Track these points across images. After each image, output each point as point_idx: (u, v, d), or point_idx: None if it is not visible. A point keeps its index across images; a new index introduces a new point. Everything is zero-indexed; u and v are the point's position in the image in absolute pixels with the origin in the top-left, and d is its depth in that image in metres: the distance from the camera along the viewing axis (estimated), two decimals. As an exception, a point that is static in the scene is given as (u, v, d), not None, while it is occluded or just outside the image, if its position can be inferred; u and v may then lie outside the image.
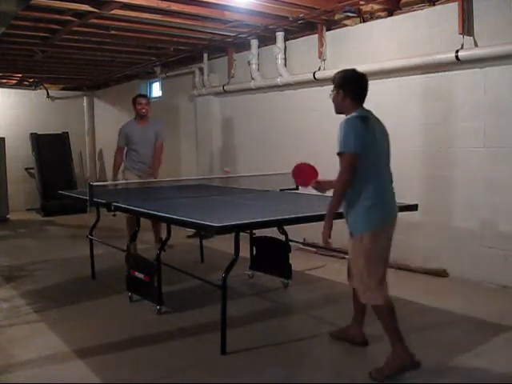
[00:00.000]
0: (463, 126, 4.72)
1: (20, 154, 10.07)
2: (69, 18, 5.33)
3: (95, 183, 4.64)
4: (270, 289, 4.62)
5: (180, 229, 3.70)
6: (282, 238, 4.56)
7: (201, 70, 7.68)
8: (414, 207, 3.80)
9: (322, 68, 5.89)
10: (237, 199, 4.59)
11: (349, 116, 2.84)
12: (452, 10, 4.60)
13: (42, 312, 4.04)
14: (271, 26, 5.96)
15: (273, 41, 6.38)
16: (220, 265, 3.45)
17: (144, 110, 5.77)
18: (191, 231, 6.25)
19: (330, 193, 2.97)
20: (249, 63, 6.73)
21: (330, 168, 6.36)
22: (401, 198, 3.71)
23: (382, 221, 2.86)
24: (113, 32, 5.95)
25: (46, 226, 8.47)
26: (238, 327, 3.58)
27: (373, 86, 5.36)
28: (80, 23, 5.47)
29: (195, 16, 5.47)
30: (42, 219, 9.18)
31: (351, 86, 2.89)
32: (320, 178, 3.31)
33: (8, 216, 8.97)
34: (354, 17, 5.61)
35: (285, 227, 4.44)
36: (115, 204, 4.07)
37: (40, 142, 9.94)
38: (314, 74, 5.86)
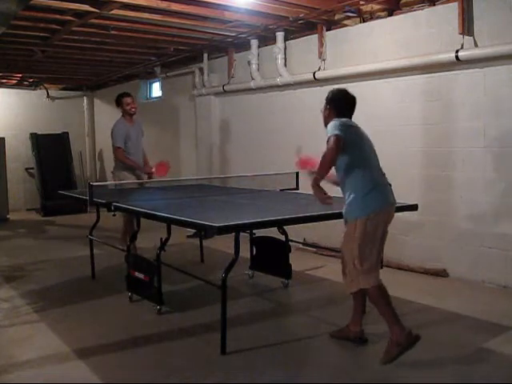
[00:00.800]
0: (463, 125, 4.72)
1: (20, 154, 10.09)
2: (69, 18, 5.33)
3: (95, 183, 4.64)
4: (270, 289, 4.62)
5: (180, 229, 3.70)
6: (282, 238, 4.56)
7: (201, 70, 7.69)
8: (414, 207, 3.80)
9: (321, 68, 5.89)
10: (237, 199, 4.59)
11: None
12: (452, 10, 4.60)
13: (42, 312, 4.04)
14: (271, 26, 5.96)
15: (273, 41, 6.38)
16: (220, 265, 3.45)
17: (134, 109, 5.69)
18: (191, 231, 6.25)
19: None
20: (249, 63, 6.73)
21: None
22: (401, 197, 3.72)
23: (376, 207, 3.03)
24: (113, 32, 5.95)
25: (45, 226, 8.47)
26: (238, 327, 3.58)
27: (373, 86, 5.45)
28: (80, 23, 5.48)
29: (195, 16, 5.47)
30: (42, 219, 9.18)
31: (337, 104, 3.27)
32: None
33: (8, 216, 8.97)
34: (353, 17, 5.61)
35: (285, 227, 4.44)
36: (115, 204, 4.07)
37: (40, 142, 9.93)
38: (314, 74, 5.86)
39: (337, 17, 5.68)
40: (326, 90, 5.87)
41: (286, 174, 5.17)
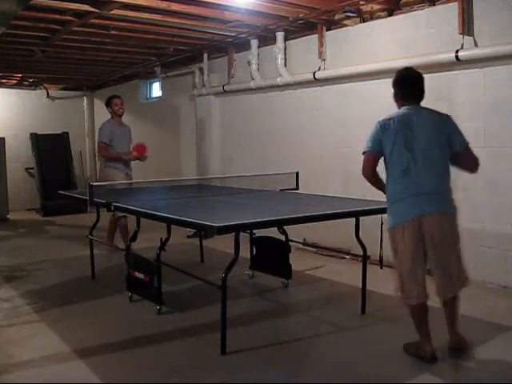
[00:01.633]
0: (463, 126, 4.63)
1: (20, 154, 10.08)
2: (69, 18, 5.33)
3: (95, 183, 4.64)
4: (269, 289, 4.62)
5: (180, 229, 3.70)
6: (282, 238, 4.56)
7: (201, 70, 7.69)
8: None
9: (321, 68, 5.89)
10: (237, 199, 4.59)
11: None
12: (452, 10, 4.60)
13: (42, 312, 4.04)
14: (271, 26, 5.96)
15: (273, 41, 6.38)
16: (220, 265, 3.44)
17: (121, 110, 6.08)
18: (191, 231, 6.25)
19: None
20: (249, 63, 6.73)
21: (329, 167, 6.37)
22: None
23: (403, 215, 2.91)
24: (113, 32, 5.95)
25: (45, 226, 8.47)
26: (238, 327, 3.57)
27: (373, 86, 5.45)
28: (80, 23, 5.48)
29: (195, 16, 5.47)
30: (42, 219, 9.18)
31: (398, 88, 3.07)
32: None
33: (8, 216, 8.97)
34: (353, 17, 5.61)
35: (285, 227, 4.44)
36: (115, 204, 4.07)
37: (40, 141, 9.93)
38: (314, 74, 5.86)
39: (337, 17, 5.68)
40: (326, 90, 5.98)
41: (286, 174, 5.17)
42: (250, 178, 5.67)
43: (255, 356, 3.16)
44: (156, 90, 9.65)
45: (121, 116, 6.09)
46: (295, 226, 3.74)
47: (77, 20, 5.38)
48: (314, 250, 5.92)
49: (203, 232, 4.84)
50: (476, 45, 4.50)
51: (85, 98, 11.21)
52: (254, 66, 6.69)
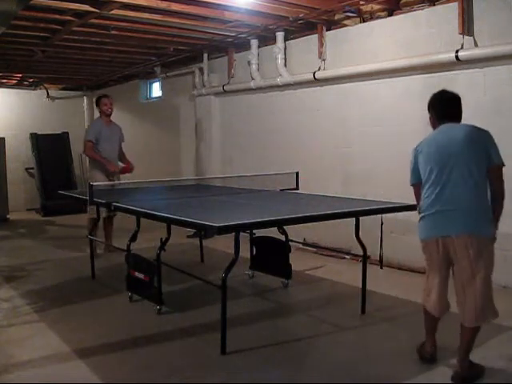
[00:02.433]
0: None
1: (20, 154, 10.08)
2: (69, 18, 5.33)
3: (95, 183, 4.64)
4: (269, 289, 4.62)
5: (180, 229, 3.70)
6: (282, 238, 4.56)
7: (201, 70, 7.69)
8: (414, 207, 3.79)
9: (321, 68, 5.89)
10: (237, 199, 4.59)
11: None
12: (452, 10, 4.60)
13: (42, 312, 4.04)
14: (271, 26, 5.96)
15: (273, 41, 6.38)
16: (220, 265, 3.45)
17: (110, 110, 6.07)
18: (191, 231, 6.25)
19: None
20: (249, 63, 6.73)
21: (329, 167, 6.37)
22: (401, 198, 3.73)
23: (425, 233, 2.91)
24: (113, 32, 5.95)
25: (46, 226, 8.47)
26: (238, 327, 3.58)
27: (373, 86, 5.45)
28: (80, 23, 5.48)
29: (195, 16, 5.47)
30: (42, 219, 9.18)
31: (433, 109, 3.05)
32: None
33: (8, 216, 8.97)
34: (353, 17, 5.61)
35: (285, 227, 4.44)
36: (115, 204, 4.07)
37: (40, 142, 9.93)
38: (314, 74, 5.87)
39: (337, 17, 5.68)
40: (326, 90, 5.98)
41: (286, 174, 5.18)
42: (250, 178, 5.67)
43: (255, 356, 3.17)
44: (156, 89, 9.65)
45: (109, 116, 6.07)
46: (295, 226, 3.74)
47: (77, 20, 5.37)
48: (314, 249, 5.92)
49: (203, 232, 4.84)
50: (476, 45, 4.51)
51: (85, 98, 11.20)
52: (253, 66, 6.69)
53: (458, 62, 4.55)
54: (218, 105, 7.64)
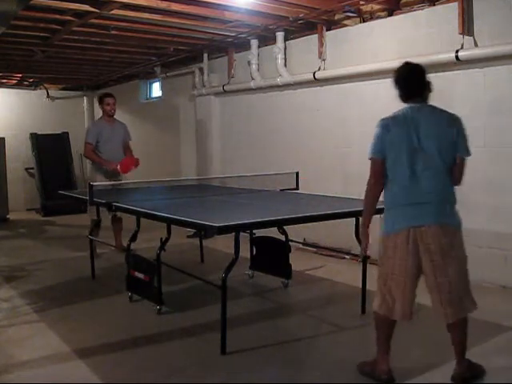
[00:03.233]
0: (463, 125, 4.71)
1: (20, 154, 10.08)
2: (69, 18, 5.33)
3: (95, 183, 4.64)
4: (269, 289, 4.62)
5: (180, 229, 3.70)
6: (282, 238, 4.56)
7: (201, 70, 7.68)
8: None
9: (321, 68, 5.89)
10: (237, 199, 4.59)
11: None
12: (452, 10, 4.60)
13: (42, 312, 4.04)
14: (271, 26, 5.96)
15: (273, 41, 6.38)
16: (220, 265, 3.44)
17: (112, 110, 5.89)
18: (191, 231, 6.25)
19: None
20: (249, 63, 6.73)
21: (329, 167, 6.37)
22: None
23: (395, 225, 2.70)
24: (113, 32, 5.95)
25: (45, 226, 8.47)
26: (238, 327, 3.58)
27: (373, 86, 5.45)
28: (80, 23, 5.47)
29: (195, 16, 5.47)
30: (42, 219, 9.18)
31: (398, 85, 2.80)
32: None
33: (8, 216, 8.97)
34: (354, 17, 5.61)
35: (285, 227, 4.44)
36: (116, 204, 4.07)
37: (40, 141, 9.93)
38: (314, 74, 5.86)
39: (337, 17, 5.68)
40: (326, 90, 5.98)
41: (286, 174, 5.17)
42: (250, 178, 5.67)
43: (255, 356, 3.17)
44: (156, 90, 9.65)
45: (111, 116, 5.90)
46: (295, 226, 3.75)
47: (77, 20, 5.37)
48: (314, 250, 5.92)
49: (203, 232, 4.85)
50: (476, 45, 4.50)
51: (85, 98, 11.20)
52: (253, 66, 6.68)
53: (458, 62, 4.55)
54: (218, 105, 7.64)
